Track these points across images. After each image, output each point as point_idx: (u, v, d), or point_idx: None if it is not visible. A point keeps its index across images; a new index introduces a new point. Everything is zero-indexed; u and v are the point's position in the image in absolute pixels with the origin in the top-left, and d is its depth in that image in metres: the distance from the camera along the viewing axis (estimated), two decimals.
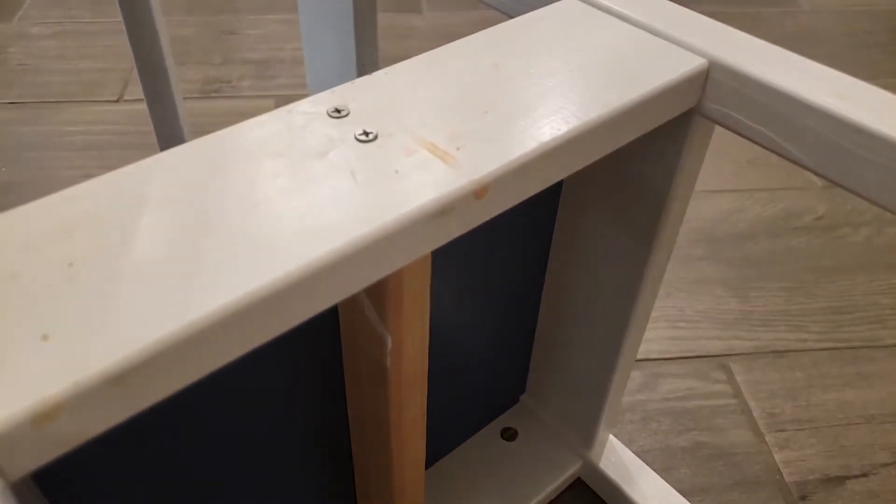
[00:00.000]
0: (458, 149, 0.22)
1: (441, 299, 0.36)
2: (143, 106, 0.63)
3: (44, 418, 0.16)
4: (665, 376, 0.54)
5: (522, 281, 0.40)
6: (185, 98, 0.79)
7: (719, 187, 0.71)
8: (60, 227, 0.19)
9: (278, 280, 0.18)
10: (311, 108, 0.24)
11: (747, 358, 0.55)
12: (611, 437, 0.47)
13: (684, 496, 0.44)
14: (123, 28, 0.58)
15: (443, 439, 0.45)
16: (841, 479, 0.48)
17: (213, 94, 0.81)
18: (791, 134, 0.26)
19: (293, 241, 0.19)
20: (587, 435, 0.44)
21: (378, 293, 0.26)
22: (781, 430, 0.50)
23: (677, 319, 0.58)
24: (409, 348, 0.28)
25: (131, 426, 0.26)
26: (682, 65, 0.27)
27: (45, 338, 0.17)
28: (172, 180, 0.21)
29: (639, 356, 0.55)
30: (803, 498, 0.47)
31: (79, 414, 0.16)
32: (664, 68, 0.26)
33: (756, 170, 0.74)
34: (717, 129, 0.81)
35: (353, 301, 0.28)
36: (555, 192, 0.37)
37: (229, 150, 0.22)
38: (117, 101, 0.79)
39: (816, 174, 0.26)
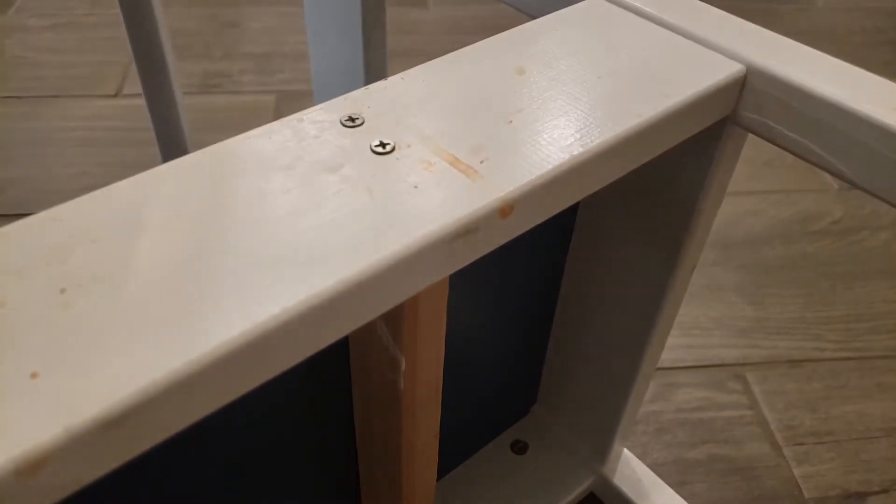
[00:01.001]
0: (481, 162, 0.21)
1: (453, 314, 0.34)
2: (142, 101, 0.61)
3: (31, 468, 0.14)
4: (679, 386, 0.52)
5: (537, 293, 0.39)
6: (184, 92, 0.77)
7: (733, 189, 0.70)
8: (52, 249, 0.18)
9: (287, 311, 0.16)
10: (324, 116, 0.22)
11: (763, 367, 0.54)
12: (624, 450, 0.45)
13: None
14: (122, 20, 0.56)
15: (451, 452, 0.43)
16: (862, 496, 0.46)
17: (214, 89, 0.79)
18: (836, 147, 0.24)
19: (304, 268, 0.17)
20: (601, 449, 0.43)
21: (393, 315, 0.24)
22: (800, 444, 0.49)
23: (691, 327, 0.57)
24: (423, 370, 0.26)
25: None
26: (718, 71, 0.25)
27: (33, 375, 0.15)
28: (172, 197, 0.19)
29: None
30: None
31: (71, 462, 0.15)
32: (699, 75, 0.25)
33: (771, 171, 0.72)
34: None
35: (366, 325, 0.26)
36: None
37: (234, 163, 0.20)
38: (115, 95, 0.77)
39: (865, 191, 0.24)
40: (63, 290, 0.17)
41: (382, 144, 0.21)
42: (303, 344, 0.17)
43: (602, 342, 0.39)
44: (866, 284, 0.61)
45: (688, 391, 0.52)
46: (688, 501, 0.43)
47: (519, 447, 0.45)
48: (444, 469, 0.44)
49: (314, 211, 0.19)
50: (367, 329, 0.26)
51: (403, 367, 0.26)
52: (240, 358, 0.16)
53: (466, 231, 0.19)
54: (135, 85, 0.77)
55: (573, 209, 0.36)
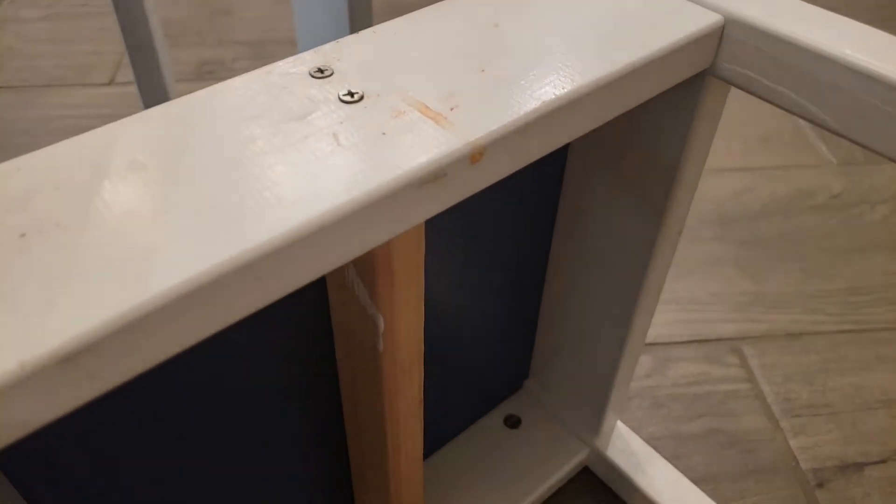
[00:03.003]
0: (451, 109, 0.20)
1: (437, 278, 0.34)
2: (135, 89, 0.61)
3: None
4: (675, 360, 0.52)
5: (524, 258, 0.38)
6: (178, 80, 0.77)
7: (731, 165, 0.69)
8: (14, 197, 0.18)
9: (249, 252, 0.16)
10: (292, 68, 0.22)
11: (761, 341, 0.53)
12: (619, 423, 0.45)
13: (696, 484, 0.42)
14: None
15: (443, 427, 0.43)
16: (859, 466, 0.46)
17: (207, 76, 0.79)
18: (815, 94, 0.23)
19: (268, 210, 0.17)
20: (594, 421, 0.43)
21: (368, 270, 0.24)
22: (797, 416, 0.49)
23: (688, 302, 0.56)
24: (402, 331, 0.26)
25: (106, 410, 0.24)
26: (696, 21, 0.25)
27: None
28: (139, 146, 0.19)
29: (648, 340, 0.53)
30: (820, 485, 0.45)
31: (27, 398, 0.14)
32: (676, 25, 0.24)
33: (769, 147, 0.71)
34: (730, 105, 0.78)
35: (342, 282, 0.26)
36: (559, 161, 0.35)
37: (201, 114, 0.20)
38: (109, 84, 0.77)
39: (844, 137, 0.24)
40: (23, 235, 0.17)
41: (351, 94, 0.21)
42: (269, 285, 0.17)
43: (591, 312, 0.38)
44: (865, 258, 0.60)
45: (684, 366, 0.52)
46: (684, 474, 0.43)
47: (512, 421, 0.45)
48: (437, 443, 0.43)
49: (280, 156, 0.19)
50: (346, 291, 0.26)
51: (382, 327, 0.26)
52: (196, 298, 0.16)
53: (435, 176, 0.19)
54: (128, 73, 0.77)
55: (560, 170, 0.35)
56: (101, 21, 0.88)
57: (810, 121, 0.24)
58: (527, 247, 0.38)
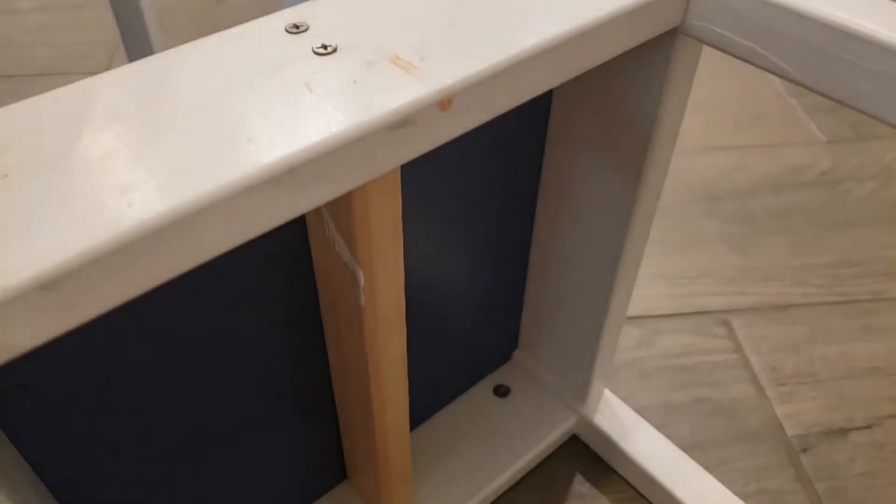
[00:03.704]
0: (422, 59, 0.21)
1: (422, 244, 0.35)
2: None
3: None
4: (664, 333, 0.53)
5: (509, 225, 0.39)
6: None
7: (721, 144, 0.69)
8: None
9: (223, 189, 0.17)
10: (267, 25, 0.22)
11: (748, 313, 0.54)
12: (607, 392, 0.46)
13: (683, 451, 0.43)
14: None
15: (433, 396, 0.44)
16: (844, 431, 0.46)
17: None
18: (782, 48, 0.24)
19: (241, 151, 0.18)
20: (581, 389, 0.43)
21: (346, 224, 0.24)
22: (783, 385, 0.49)
23: (676, 276, 0.57)
24: (382, 285, 0.27)
25: (89, 350, 0.25)
26: None
27: None
28: (117, 95, 0.20)
29: (636, 313, 0.54)
30: (805, 450, 0.46)
31: (12, 322, 0.15)
32: None
33: (759, 126, 0.72)
34: (720, 84, 0.79)
35: (324, 238, 0.27)
36: (541, 123, 0.35)
37: (178, 66, 0.21)
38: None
39: (812, 90, 0.24)
40: (5, 176, 0.17)
41: (324, 46, 0.21)
42: (243, 222, 0.18)
43: (575, 278, 0.39)
44: (853, 232, 0.60)
45: (672, 337, 0.52)
46: (671, 441, 0.44)
47: (501, 391, 0.46)
48: (428, 412, 0.44)
49: (254, 103, 0.19)
50: (328, 248, 0.27)
51: (362, 282, 0.26)
52: (170, 233, 0.16)
53: (405, 121, 0.20)
54: (122, 62, 0.78)
55: (542, 134, 0.36)
56: (96, 11, 0.88)
57: (778, 74, 0.25)
58: (511, 212, 0.38)
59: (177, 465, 0.30)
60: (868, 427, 0.47)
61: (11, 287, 0.15)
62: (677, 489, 0.41)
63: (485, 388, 0.46)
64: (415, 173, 0.31)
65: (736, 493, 0.41)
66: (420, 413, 0.44)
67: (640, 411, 0.48)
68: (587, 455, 0.45)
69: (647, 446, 0.43)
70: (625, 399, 0.48)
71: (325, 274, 0.28)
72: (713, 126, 0.72)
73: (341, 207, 0.24)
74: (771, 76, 0.79)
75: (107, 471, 0.28)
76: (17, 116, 0.19)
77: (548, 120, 0.35)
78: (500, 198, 0.37)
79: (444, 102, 0.20)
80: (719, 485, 0.41)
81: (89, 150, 0.18)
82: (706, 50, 0.82)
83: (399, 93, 0.20)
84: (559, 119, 0.35)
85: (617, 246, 0.35)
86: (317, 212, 0.26)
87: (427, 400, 0.43)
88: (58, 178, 0.17)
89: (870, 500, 0.43)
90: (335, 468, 0.40)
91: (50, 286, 0.15)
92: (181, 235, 0.17)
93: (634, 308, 0.54)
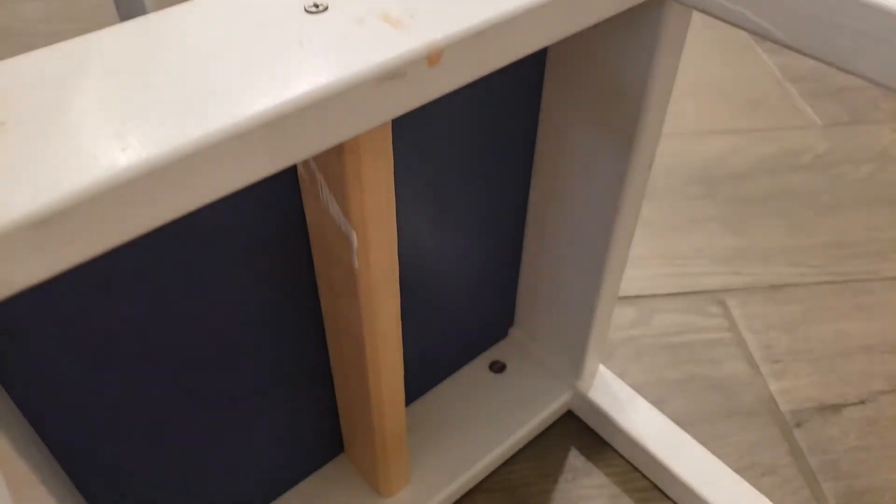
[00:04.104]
0: (412, 17, 0.21)
1: (417, 217, 0.35)
2: None
3: None
4: (659, 312, 0.53)
5: (504, 197, 0.39)
6: None
7: (718, 128, 0.70)
8: None
9: (214, 135, 0.17)
10: None
11: (743, 293, 0.54)
12: (602, 368, 0.46)
13: (677, 426, 0.43)
14: None
15: (429, 373, 0.44)
16: (837, 407, 0.47)
17: None
18: (773, 12, 0.24)
19: (233, 100, 0.18)
20: (576, 364, 0.44)
21: (339, 182, 0.25)
22: (777, 362, 0.50)
23: (672, 257, 0.57)
24: (375, 246, 0.27)
25: (86, 302, 0.25)
26: None
27: None
28: (113, 49, 0.20)
29: (632, 292, 0.54)
30: (798, 425, 0.46)
31: (10, 256, 0.16)
32: None
33: (756, 111, 0.72)
34: (717, 70, 0.79)
35: (317, 199, 0.27)
36: (535, 93, 0.36)
37: (173, 25, 0.21)
38: None
39: (800, 52, 0.25)
40: (3, 123, 0.18)
41: (316, 5, 0.22)
42: (233, 169, 0.18)
43: (568, 252, 0.39)
44: (848, 214, 0.61)
45: (668, 316, 0.53)
46: (665, 416, 0.44)
47: (497, 367, 0.46)
48: (423, 388, 0.45)
49: (247, 57, 0.20)
50: (322, 211, 0.27)
51: (356, 243, 0.27)
52: (160, 176, 0.17)
53: (393, 74, 0.20)
54: None
55: (536, 104, 0.36)
56: (95, 0, 0.89)
57: (771, 40, 0.25)
58: (506, 184, 0.39)
59: (173, 430, 0.31)
60: (861, 403, 0.47)
61: (7, 222, 0.15)
62: (671, 462, 0.42)
63: (480, 364, 0.46)
64: (408, 142, 0.32)
65: (730, 467, 0.41)
66: (416, 389, 0.44)
67: (636, 388, 0.48)
68: (582, 430, 0.46)
69: (641, 420, 0.43)
70: (620, 376, 0.49)
71: (320, 239, 0.29)
72: (710, 111, 0.72)
73: (334, 167, 0.25)
74: (768, 62, 0.79)
75: (103, 431, 0.28)
76: (15, 69, 0.19)
77: (541, 88, 0.36)
78: (495, 168, 0.37)
79: (433, 57, 0.21)
80: (714, 458, 0.42)
81: (86, 100, 0.18)
82: (703, 36, 0.83)
83: (388, 47, 0.20)
84: (552, 86, 0.35)
85: (609, 216, 0.35)
86: (311, 175, 0.27)
87: (423, 376, 0.44)
88: (55, 125, 0.18)
89: (863, 474, 0.43)
90: (332, 442, 0.41)
91: (44, 224, 0.16)
92: (173, 180, 0.17)
93: (630, 288, 0.55)
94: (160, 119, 0.18)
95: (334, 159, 0.24)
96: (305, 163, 0.26)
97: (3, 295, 0.16)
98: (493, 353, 0.47)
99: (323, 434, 0.39)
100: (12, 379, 0.25)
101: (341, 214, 0.26)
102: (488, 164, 0.37)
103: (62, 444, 0.27)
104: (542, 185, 0.39)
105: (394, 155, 0.31)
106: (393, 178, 0.25)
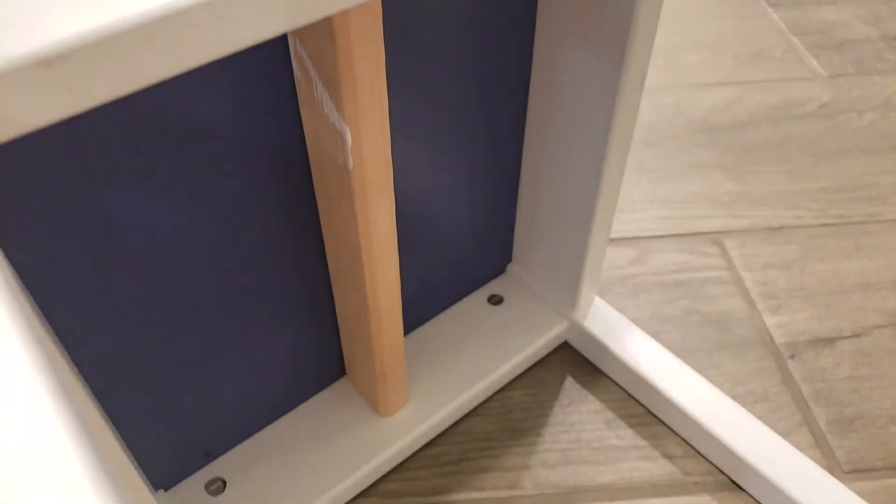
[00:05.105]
0: None
1: (414, 149, 0.36)
2: None
3: None
4: (657, 252, 0.54)
5: (501, 126, 0.40)
6: None
7: (721, 80, 0.70)
8: None
9: None
10: None
11: (742, 234, 0.55)
12: (598, 300, 0.47)
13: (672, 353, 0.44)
14: None
15: (429, 305, 0.45)
16: (832, 340, 0.47)
17: None
18: None
19: None
20: (571, 294, 0.45)
21: (331, 74, 0.26)
22: (774, 298, 0.50)
23: (671, 200, 0.58)
24: (369, 145, 0.28)
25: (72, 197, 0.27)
26: None
27: None
28: None
29: (630, 234, 0.55)
30: (793, 357, 0.47)
31: (13, 95, 0.17)
32: None
33: (760, 63, 0.72)
34: (722, 23, 0.78)
35: (313, 102, 0.28)
36: (529, 15, 0.36)
37: None
38: None
39: None
40: None
41: None
42: (233, 27, 0.19)
43: (563, 181, 0.40)
44: (849, 160, 0.61)
45: (666, 256, 0.53)
46: (660, 344, 0.45)
47: (495, 300, 0.47)
48: (422, 318, 0.46)
49: None
50: (316, 109, 0.28)
51: (350, 142, 0.28)
52: (159, 27, 0.18)
53: None
54: None
55: (530, 28, 0.37)
56: None
57: None
58: (502, 113, 0.39)
59: (175, 340, 0.32)
60: (856, 336, 0.48)
61: (13, 58, 0.16)
62: (666, 387, 0.42)
63: (479, 297, 0.47)
64: (403, 68, 0.32)
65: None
66: (416, 320, 0.45)
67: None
68: (578, 360, 0.46)
69: (636, 348, 0.44)
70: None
71: (316, 146, 0.30)
72: (714, 63, 0.72)
73: (327, 58, 0.26)
74: (773, 16, 0.78)
75: (105, 327, 0.30)
76: None
77: (535, 10, 0.36)
78: (491, 95, 0.38)
79: None
80: (708, 383, 0.43)
81: None
82: None
83: None
84: (545, 11, 0.36)
85: (603, 137, 0.36)
86: (306, 74, 0.28)
87: (423, 308, 0.45)
88: None
89: (854, 402, 0.44)
90: (334, 365, 0.42)
91: (50, 62, 0.17)
92: (173, 30, 0.18)
93: (628, 229, 0.55)
94: None
95: (327, 48, 0.25)
96: (301, 61, 0.27)
97: (6, 137, 0.17)
98: (491, 288, 0.48)
99: (325, 358, 0.41)
100: (27, 279, 0.26)
101: (335, 110, 0.27)
102: (483, 89, 0.37)
103: (67, 335, 0.29)
104: (538, 110, 0.40)
105: (387, 78, 0.32)
106: (384, 70, 0.26)
